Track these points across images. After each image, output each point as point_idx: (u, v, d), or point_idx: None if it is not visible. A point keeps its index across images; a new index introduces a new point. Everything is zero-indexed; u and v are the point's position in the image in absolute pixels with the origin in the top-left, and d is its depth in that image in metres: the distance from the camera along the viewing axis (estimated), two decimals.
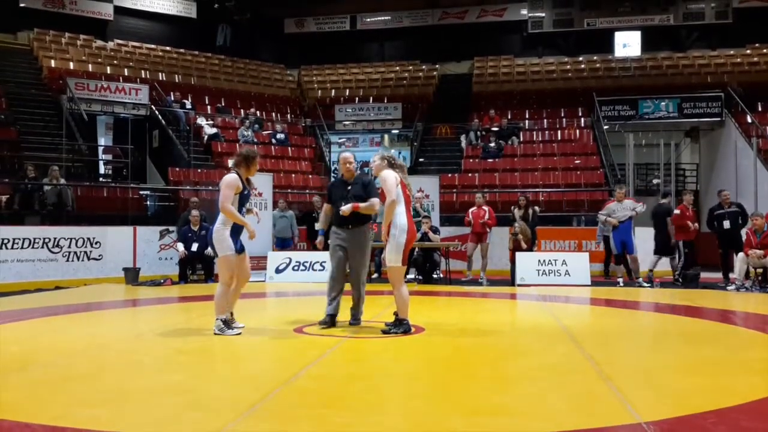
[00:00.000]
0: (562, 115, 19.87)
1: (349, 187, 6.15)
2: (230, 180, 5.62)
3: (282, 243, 12.48)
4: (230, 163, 7.01)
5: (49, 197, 12.39)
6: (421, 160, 19.08)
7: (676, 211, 11.32)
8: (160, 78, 20.12)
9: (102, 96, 17.00)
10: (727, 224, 10.92)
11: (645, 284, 10.50)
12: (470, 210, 11.89)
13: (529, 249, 11.41)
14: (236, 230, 5.70)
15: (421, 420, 3.25)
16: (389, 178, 5.68)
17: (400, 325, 5.74)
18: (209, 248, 10.76)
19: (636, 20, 23.13)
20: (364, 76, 23.86)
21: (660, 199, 12.20)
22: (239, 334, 5.63)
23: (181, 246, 11.07)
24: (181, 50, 22.91)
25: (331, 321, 6.06)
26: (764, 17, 21.68)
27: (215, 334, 5.63)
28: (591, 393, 3.77)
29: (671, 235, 11.20)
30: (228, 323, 5.69)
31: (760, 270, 10.28)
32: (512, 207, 12.21)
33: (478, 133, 18.54)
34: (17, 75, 18.16)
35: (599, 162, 16.80)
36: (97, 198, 14.20)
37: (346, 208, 5.89)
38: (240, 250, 5.75)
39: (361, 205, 5.95)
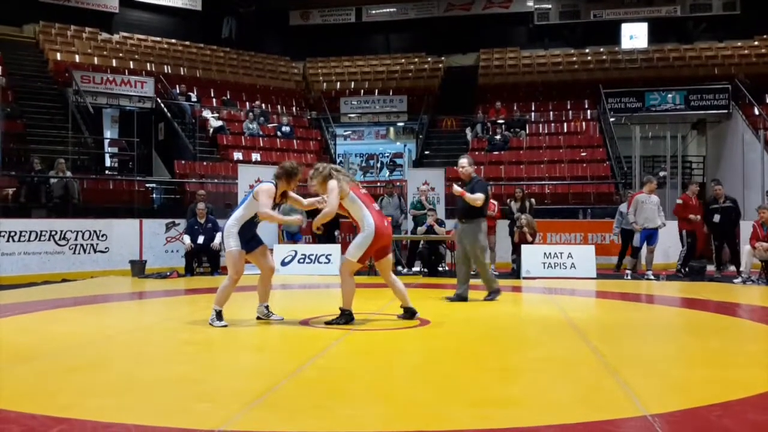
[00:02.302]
0: (569, 107, 19.80)
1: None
2: (266, 189, 5.66)
3: (291, 236, 12.47)
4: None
5: (55, 190, 12.45)
6: (426, 152, 19.04)
7: (678, 201, 11.29)
8: (166, 71, 20.10)
9: (107, 89, 17.06)
10: (716, 218, 10.88)
11: (652, 277, 10.48)
12: None
13: (532, 241, 11.40)
14: (249, 227, 5.72)
15: (427, 411, 3.25)
16: (333, 188, 5.69)
17: (342, 316, 5.79)
18: (215, 241, 10.87)
19: (643, 12, 23.03)
20: (370, 68, 23.80)
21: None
22: (225, 326, 5.60)
23: (187, 238, 11.08)
24: (187, 43, 22.90)
25: (458, 299, 7.57)
26: None
27: (209, 324, 5.65)
28: (597, 385, 3.77)
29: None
30: (220, 315, 5.68)
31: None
32: (508, 200, 12.18)
33: (484, 125, 18.48)
34: (23, 68, 18.19)
35: (605, 154, 16.73)
36: (103, 191, 14.26)
37: (458, 190, 7.36)
38: (255, 244, 5.81)
39: (467, 194, 7.30)
